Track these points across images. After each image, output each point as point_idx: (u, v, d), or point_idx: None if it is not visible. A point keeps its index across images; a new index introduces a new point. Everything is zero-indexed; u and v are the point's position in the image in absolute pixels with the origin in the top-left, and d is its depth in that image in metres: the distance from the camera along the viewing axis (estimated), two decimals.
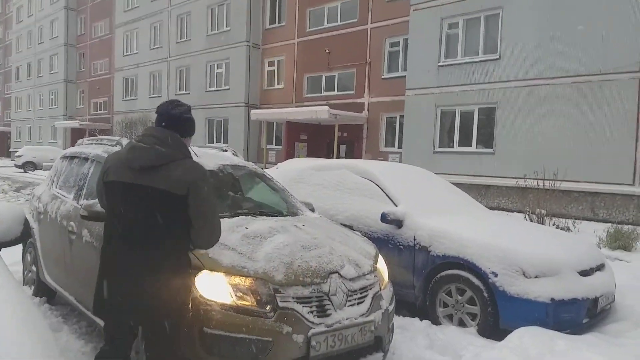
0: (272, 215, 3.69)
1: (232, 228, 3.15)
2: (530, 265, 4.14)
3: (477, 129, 16.13)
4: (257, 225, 3.28)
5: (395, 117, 19.72)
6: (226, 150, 4.81)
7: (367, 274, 3.16)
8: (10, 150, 47.89)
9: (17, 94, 48.29)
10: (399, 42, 19.66)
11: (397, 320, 4.57)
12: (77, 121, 36.38)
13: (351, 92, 21.11)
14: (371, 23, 20.46)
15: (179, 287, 2.35)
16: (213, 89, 26.42)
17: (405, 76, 17.97)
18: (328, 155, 20.07)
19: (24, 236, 2.32)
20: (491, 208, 13.59)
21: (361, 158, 20.24)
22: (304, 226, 3.50)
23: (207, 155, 4.21)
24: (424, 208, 5.03)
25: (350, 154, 20.94)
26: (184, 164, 2.37)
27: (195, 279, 2.65)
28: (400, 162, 17.94)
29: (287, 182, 6.01)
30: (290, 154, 20.53)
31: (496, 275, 4.18)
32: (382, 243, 4.97)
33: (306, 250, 3.05)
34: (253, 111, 21.70)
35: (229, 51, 25.13)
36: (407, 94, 17.62)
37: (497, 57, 15.30)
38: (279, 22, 24.23)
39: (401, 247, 4.85)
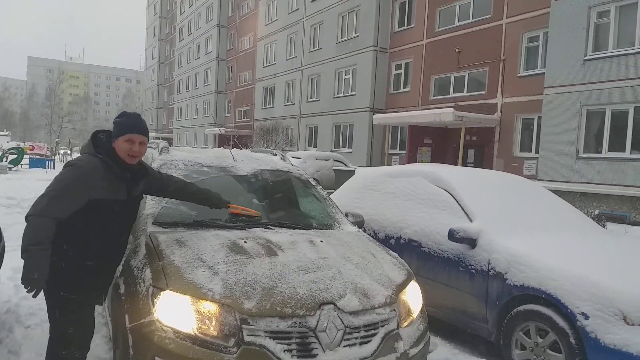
0: (293, 228, 3.26)
1: (227, 242, 2.80)
2: (636, 308, 3.09)
3: (632, 131, 13.69)
4: (260, 240, 2.89)
5: (533, 119, 17.76)
6: (275, 155, 4.51)
7: (379, 307, 2.55)
8: None
9: (178, 104, 54.49)
10: (538, 36, 17.71)
11: None
12: (224, 128, 39.60)
13: (482, 92, 19.55)
14: (507, 18, 18.76)
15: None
16: (340, 95, 26.65)
17: (544, 73, 16.04)
18: (454, 160, 18.77)
19: None
20: None
21: (492, 163, 18.67)
22: (322, 242, 3.01)
23: (247, 159, 3.95)
24: (507, 226, 4.14)
25: (479, 160, 19.36)
26: None
27: (156, 300, 2.35)
28: (537, 168, 16.11)
29: (359, 189, 5.54)
30: (412, 159, 19.64)
31: (587, 318, 3.20)
32: (452, 265, 4.23)
33: (301, 273, 2.57)
34: (375, 116, 21.27)
35: (357, 57, 25.11)
36: (545, 92, 15.75)
37: None
38: (407, 25, 23.53)
39: (473, 271, 4.04)
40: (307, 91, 29.86)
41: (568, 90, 14.99)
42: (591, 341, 3.17)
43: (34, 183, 16.51)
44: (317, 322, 2.35)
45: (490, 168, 17.36)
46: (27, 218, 2.31)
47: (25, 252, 2.24)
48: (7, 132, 73.79)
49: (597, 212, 9.70)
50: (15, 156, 26.25)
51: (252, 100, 38.07)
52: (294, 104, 31.22)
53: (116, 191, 2.52)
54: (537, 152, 16.71)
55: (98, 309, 4.44)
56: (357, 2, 25.19)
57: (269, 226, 3.19)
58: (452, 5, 21.02)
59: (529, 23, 17.84)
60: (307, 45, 29.80)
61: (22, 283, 2.26)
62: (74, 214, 2.38)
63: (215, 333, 2.27)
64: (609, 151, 14.21)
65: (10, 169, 23.70)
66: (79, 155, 2.60)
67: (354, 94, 25.41)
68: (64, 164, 2.55)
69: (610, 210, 12.96)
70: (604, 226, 8.57)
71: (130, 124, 2.54)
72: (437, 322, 4.30)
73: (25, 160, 27.87)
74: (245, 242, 2.83)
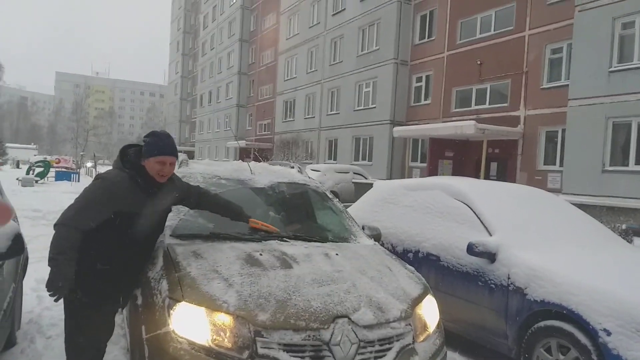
0: (308, 240, 3.26)
1: (243, 254, 2.82)
2: None
3: None
4: (275, 252, 2.90)
5: (557, 131, 17.47)
6: (293, 167, 4.57)
7: (394, 321, 2.53)
8: None
9: (201, 118, 55.32)
10: (561, 48, 17.50)
11: None
12: (244, 141, 39.98)
13: (505, 104, 19.35)
14: (529, 29, 18.62)
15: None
16: (360, 107, 26.72)
17: (568, 85, 15.83)
18: (476, 173, 18.55)
19: (11, 252, 2.33)
20: None
21: (515, 177, 18.40)
22: (337, 255, 3.01)
23: (265, 172, 3.98)
24: (528, 240, 4.07)
25: (502, 173, 19.10)
26: None
27: (172, 312, 2.38)
28: (561, 181, 15.81)
29: (377, 202, 5.52)
30: (433, 172, 19.50)
31: (609, 334, 3.12)
32: (471, 279, 4.16)
33: (315, 286, 2.56)
34: (395, 128, 21.24)
35: (377, 70, 25.18)
36: (569, 104, 15.51)
37: None
38: (428, 37, 23.53)
39: (492, 285, 3.97)
40: (327, 104, 30.03)
41: (593, 102, 14.75)
42: (613, 358, 3.08)
43: (59, 195, 16.91)
44: (331, 335, 2.34)
45: (513, 181, 17.11)
46: (54, 226, 2.43)
47: (51, 261, 2.35)
48: (35, 146, 75.96)
49: (624, 226, 9.44)
50: (41, 169, 26.97)
51: (272, 114, 38.44)
52: (314, 117, 31.40)
53: (141, 205, 2.61)
54: (561, 165, 16.42)
55: (117, 321, 4.52)
56: (377, 15, 25.33)
57: (285, 239, 3.21)
58: (474, 17, 20.96)
59: (552, 35, 17.67)
60: (327, 59, 30.04)
61: (47, 288, 2.34)
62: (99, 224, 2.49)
63: (229, 345, 2.28)
64: (636, 164, 13.90)
65: (36, 181, 24.33)
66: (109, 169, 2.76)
67: (374, 107, 25.45)
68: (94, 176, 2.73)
69: (639, 224, 12.59)
70: (630, 241, 8.34)
71: (162, 145, 2.63)
72: (455, 338, 4.23)
73: (52, 173, 28.58)
74: (260, 254, 2.85)
